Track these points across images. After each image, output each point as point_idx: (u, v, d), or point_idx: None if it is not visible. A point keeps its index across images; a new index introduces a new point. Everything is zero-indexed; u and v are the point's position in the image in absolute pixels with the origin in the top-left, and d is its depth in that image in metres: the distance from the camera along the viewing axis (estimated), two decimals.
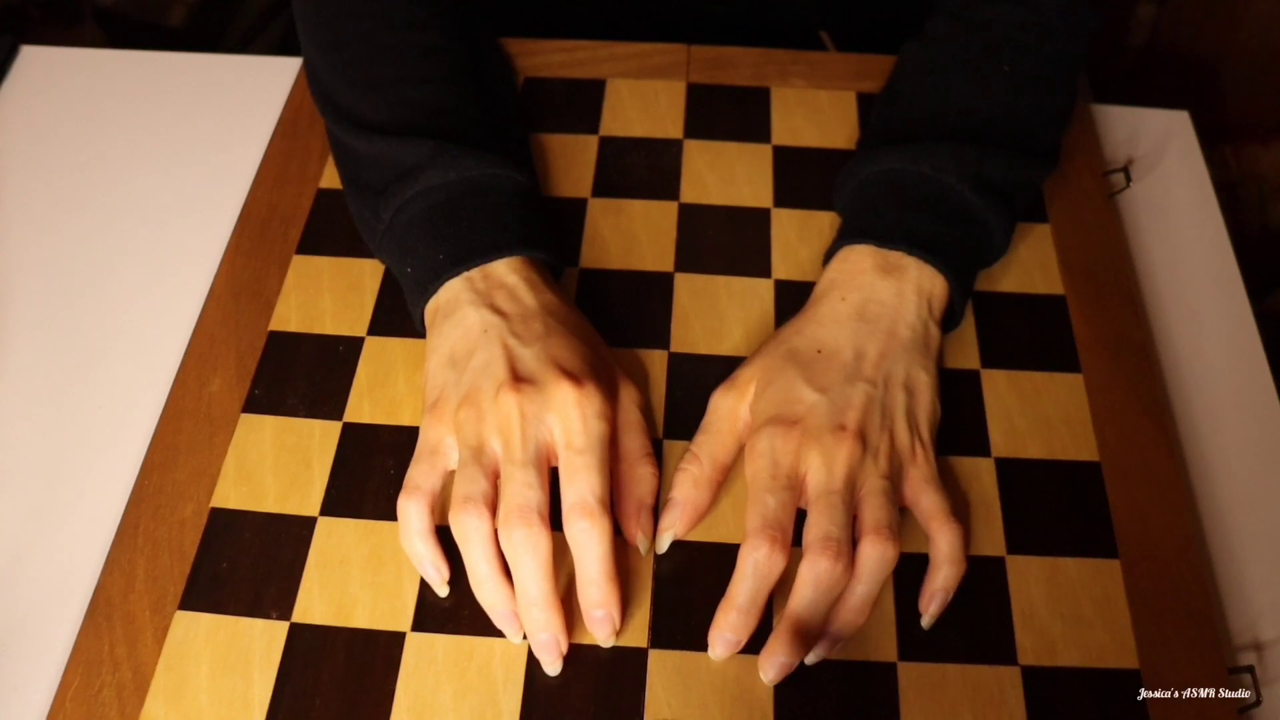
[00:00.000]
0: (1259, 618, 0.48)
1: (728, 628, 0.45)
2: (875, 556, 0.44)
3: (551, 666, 0.45)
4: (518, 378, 0.47)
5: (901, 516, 0.47)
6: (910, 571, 0.47)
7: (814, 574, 0.44)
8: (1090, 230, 0.60)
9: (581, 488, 0.45)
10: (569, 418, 0.46)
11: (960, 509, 0.49)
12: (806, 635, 0.44)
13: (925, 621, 0.46)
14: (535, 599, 0.44)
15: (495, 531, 0.45)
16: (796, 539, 0.46)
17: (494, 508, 0.45)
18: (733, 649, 0.45)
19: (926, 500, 0.47)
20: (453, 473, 0.48)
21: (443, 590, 0.47)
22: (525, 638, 0.45)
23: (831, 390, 0.49)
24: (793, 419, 0.48)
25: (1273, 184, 1.25)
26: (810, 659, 0.45)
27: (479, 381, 0.48)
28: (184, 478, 0.50)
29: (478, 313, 0.50)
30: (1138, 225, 0.62)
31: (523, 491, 0.44)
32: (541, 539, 0.44)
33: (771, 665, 0.44)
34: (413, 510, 0.46)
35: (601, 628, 0.45)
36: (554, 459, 0.47)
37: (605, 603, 0.45)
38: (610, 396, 0.48)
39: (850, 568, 0.44)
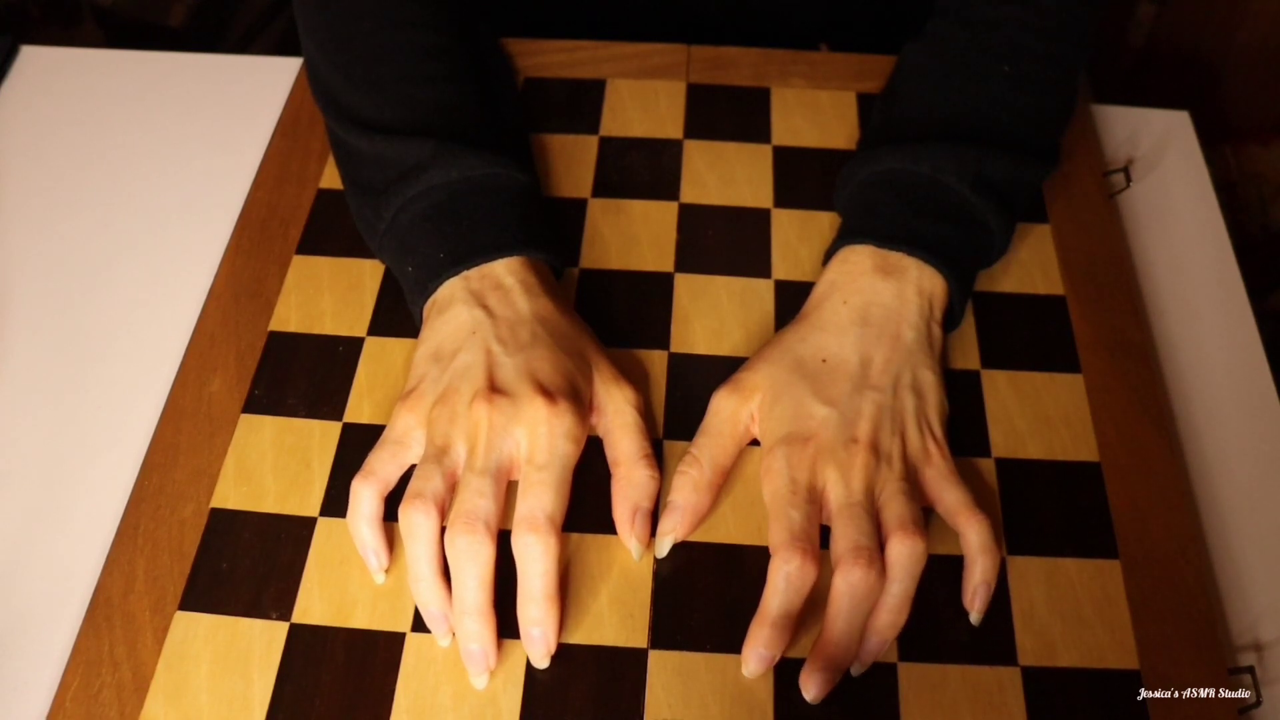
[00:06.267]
0: (1259, 618, 0.48)
1: (762, 643, 0.44)
2: (906, 552, 0.44)
3: (477, 679, 0.44)
4: (494, 387, 0.47)
5: (926, 518, 0.47)
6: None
7: (849, 584, 0.44)
8: (1090, 230, 0.60)
9: (533, 503, 0.45)
10: (536, 434, 0.46)
11: (980, 501, 0.48)
12: (847, 648, 0.44)
13: (974, 618, 0.46)
14: (469, 608, 0.44)
15: (442, 533, 0.45)
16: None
17: (445, 510, 0.45)
18: (768, 665, 0.44)
19: (949, 496, 0.47)
20: (413, 466, 0.48)
21: (379, 578, 0.47)
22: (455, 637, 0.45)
23: (840, 402, 0.49)
24: (805, 436, 0.48)
25: (1273, 184, 1.25)
26: (855, 670, 0.45)
27: (457, 383, 0.48)
28: (184, 478, 0.50)
29: (469, 311, 0.50)
30: (1138, 225, 0.62)
31: (474, 499, 0.44)
32: (484, 549, 0.44)
33: (814, 683, 0.44)
34: (364, 494, 0.47)
35: (535, 647, 0.44)
36: (516, 473, 0.47)
37: (542, 621, 0.44)
38: (583, 418, 0.48)
39: (883, 575, 0.44)
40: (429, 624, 0.45)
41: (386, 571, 0.47)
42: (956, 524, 0.47)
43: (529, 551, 0.44)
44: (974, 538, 0.46)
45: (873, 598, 0.44)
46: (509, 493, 0.47)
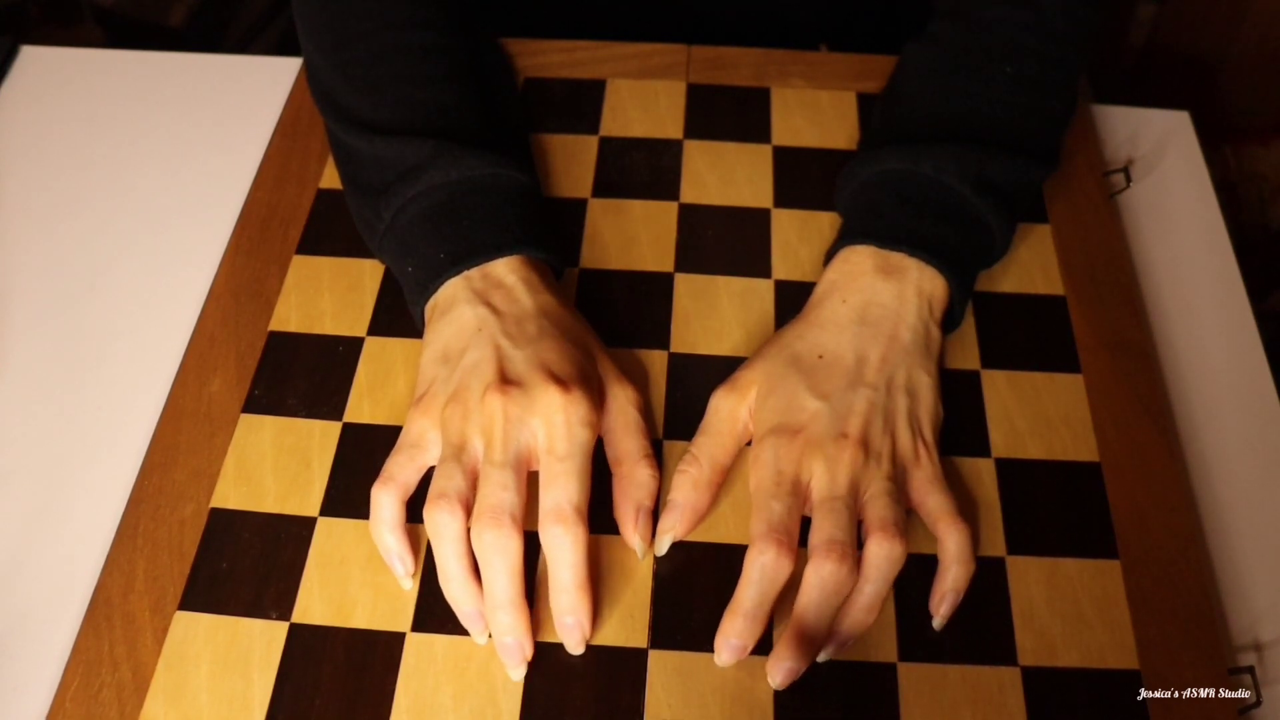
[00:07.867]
0: (1259, 618, 0.48)
1: (734, 633, 0.44)
2: (883, 554, 0.44)
3: (515, 671, 0.44)
4: (505, 380, 0.47)
5: (908, 518, 0.47)
6: (910, 571, 0.47)
7: (819, 577, 0.44)
8: (1090, 230, 0.60)
9: (558, 494, 0.45)
10: (553, 423, 0.46)
11: (963, 509, 0.49)
12: (813, 640, 0.44)
13: (937, 623, 0.46)
14: (502, 602, 0.44)
15: (468, 530, 0.45)
16: (801, 543, 0.46)
17: (469, 507, 0.45)
18: (739, 655, 0.45)
19: (933, 501, 0.47)
20: (431, 469, 0.48)
21: (406, 584, 0.47)
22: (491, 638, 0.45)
23: (833, 397, 0.49)
24: (795, 427, 0.48)
25: (1273, 184, 1.25)
26: (821, 657, 0.45)
27: (468, 380, 0.48)
28: (184, 478, 0.50)
29: (473, 310, 0.50)
30: (1138, 225, 0.62)
31: (497, 493, 0.44)
32: (511, 541, 0.44)
33: (779, 671, 0.44)
34: (385, 501, 0.47)
35: (570, 635, 0.45)
36: (535, 463, 0.47)
37: (575, 610, 0.44)
38: (597, 405, 0.48)
39: (855, 571, 0.44)
40: (464, 622, 0.45)
41: (413, 576, 0.47)
42: (937, 530, 0.47)
43: (558, 543, 0.44)
44: (952, 546, 0.46)
45: (843, 593, 0.44)
46: (530, 482, 0.47)
